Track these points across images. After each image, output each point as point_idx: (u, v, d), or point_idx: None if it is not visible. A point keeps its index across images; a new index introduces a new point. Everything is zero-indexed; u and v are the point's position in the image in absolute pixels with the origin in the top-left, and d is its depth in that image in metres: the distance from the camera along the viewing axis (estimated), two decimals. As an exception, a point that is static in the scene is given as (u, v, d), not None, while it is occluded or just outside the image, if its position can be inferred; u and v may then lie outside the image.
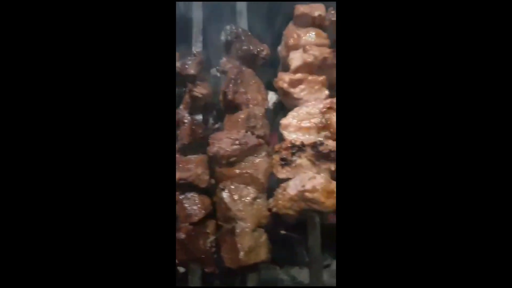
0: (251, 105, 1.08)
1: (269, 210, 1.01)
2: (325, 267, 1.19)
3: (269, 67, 1.24)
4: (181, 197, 0.98)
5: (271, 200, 1.02)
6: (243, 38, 1.12)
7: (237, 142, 0.98)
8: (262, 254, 0.96)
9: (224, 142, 0.99)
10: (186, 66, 1.08)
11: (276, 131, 1.13)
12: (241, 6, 1.25)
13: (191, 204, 0.97)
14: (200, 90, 1.05)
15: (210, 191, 1.04)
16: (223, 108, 1.11)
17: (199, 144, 1.05)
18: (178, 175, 0.97)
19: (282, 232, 1.23)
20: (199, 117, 1.10)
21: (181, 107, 1.08)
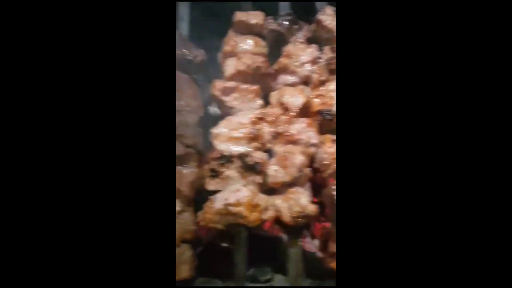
0: (184, 112, 1.05)
1: (197, 223, 0.97)
2: (266, 281, 1.16)
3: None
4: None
5: (199, 213, 0.99)
6: (178, 42, 1.09)
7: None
8: (184, 271, 0.92)
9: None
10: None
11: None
12: (183, 11, 1.23)
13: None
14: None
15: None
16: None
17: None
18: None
19: (224, 244, 1.20)
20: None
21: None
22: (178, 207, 0.95)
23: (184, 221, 0.95)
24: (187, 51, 1.08)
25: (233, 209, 0.92)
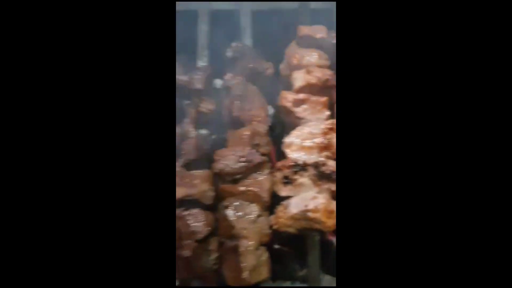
0: (254, 122, 1.10)
1: (270, 227, 1.03)
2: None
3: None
4: (185, 213, 0.98)
5: (272, 217, 1.04)
6: (249, 55, 1.14)
7: (242, 159, 0.99)
8: (264, 273, 0.97)
9: (229, 159, 1.00)
10: (194, 80, 1.09)
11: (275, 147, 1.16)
12: (245, 22, 1.28)
13: (195, 221, 0.97)
14: (207, 106, 1.06)
15: (211, 207, 1.05)
16: (226, 123, 1.13)
17: (203, 159, 1.06)
18: (183, 190, 0.97)
19: (276, 246, 1.25)
20: (204, 131, 1.11)
21: (186, 121, 1.08)
22: (256, 211, 1.00)
23: (261, 225, 1.01)
24: (258, 63, 1.13)
25: (311, 215, 0.98)
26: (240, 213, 0.97)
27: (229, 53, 1.15)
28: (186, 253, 0.91)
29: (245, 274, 0.91)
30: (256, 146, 1.04)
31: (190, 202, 0.99)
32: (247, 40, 1.24)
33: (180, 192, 0.97)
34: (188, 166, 1.04)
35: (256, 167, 1.02)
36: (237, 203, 0.98)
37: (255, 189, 1.00)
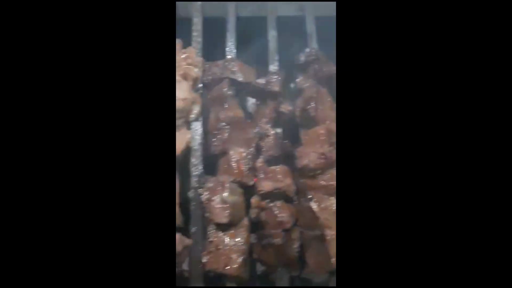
0: (327, 121, 1.18)
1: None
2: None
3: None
4: (270, 205, 1.06)
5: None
6: (320, 60, 1.22)
7: (323, 156, 1.07)
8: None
9: (311, 155, 1.07)
10: (271, 83, 1.17)
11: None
12: (311, 28, 1.35)
13: (281, 212, 1.05)
14: (286, 107, 1.14)
15: (289, 200, 1.13)
16: (299, 123, 1.20)
17: (281, 155, 1.14)
18: (270, 184, 1.05)
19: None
20: (279, 130, 1.19)
21: (264, 120, 1.16)
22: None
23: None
24: (329, 67, 1.21)
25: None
26: (323, 205, 1.04)
27: (302, 58, 1.23)
28: (278, 241, 1.00)
29: (333, 260, 0.98)
30: (332, 144, 1.12)
31: (273, 195, 1.08)
32: (314, 45, 1.32)
33: (267, 185, 1.05)
34: (269, 162, 1.12)
35: (333, 163, 1.10)
36: (319, 196, 1.06)
37: (335, 183, 1.08)
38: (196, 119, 1.18)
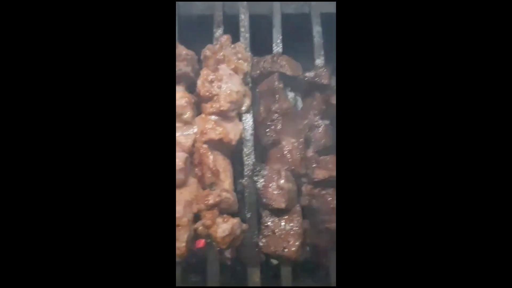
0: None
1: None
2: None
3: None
4: (323, 192, 1.11)
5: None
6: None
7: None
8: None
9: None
10: (320, 76, 1.22)
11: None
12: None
13: (333, 199, 1.10)
14: (334, 99, 1.19)
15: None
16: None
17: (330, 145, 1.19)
18: (324, 172, 1.10)
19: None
20: (326, 122, 1.23)
21: (313, 112, 1.21)
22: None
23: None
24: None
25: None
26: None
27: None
28: (333, 226, 1.05)
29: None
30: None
31: (325, 182, 1.12)
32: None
33: (321, 174, 1.10)
34: (319, 152, 1.17)
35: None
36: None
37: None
38: (247, 111, 1.24)
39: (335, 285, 1.05)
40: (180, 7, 1.38)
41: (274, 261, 1.11)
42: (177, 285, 1.02)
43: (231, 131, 1.16)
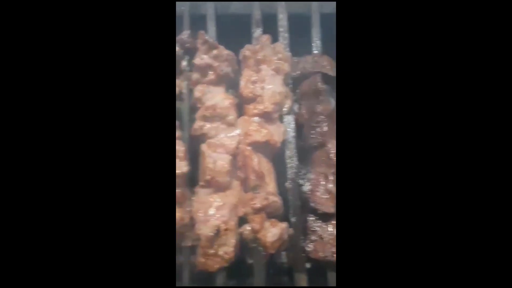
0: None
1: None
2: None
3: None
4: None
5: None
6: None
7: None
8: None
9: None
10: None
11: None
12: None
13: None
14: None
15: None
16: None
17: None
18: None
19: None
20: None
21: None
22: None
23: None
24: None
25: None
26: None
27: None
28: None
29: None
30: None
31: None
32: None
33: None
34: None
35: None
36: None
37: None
38: (288, 113, 1.21)
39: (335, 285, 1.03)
40: (218, 7, 1.37)
41: (308, 265, 1.09)
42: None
43: (275, 133, 1.14)
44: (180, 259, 1.04)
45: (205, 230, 1.01)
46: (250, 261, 1.07)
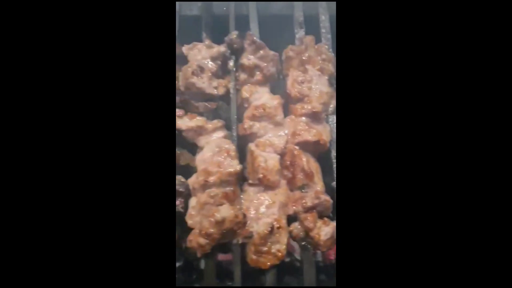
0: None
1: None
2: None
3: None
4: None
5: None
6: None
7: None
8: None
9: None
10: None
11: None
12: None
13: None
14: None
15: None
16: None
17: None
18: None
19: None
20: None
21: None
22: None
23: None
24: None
25: None
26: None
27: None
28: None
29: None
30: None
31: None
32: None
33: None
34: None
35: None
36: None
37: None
38: (333, 113, 1.22)
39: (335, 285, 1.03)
40: (259, 7, 1.38)
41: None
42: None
43: (323, 132, 1.15)
44: (231, 256, 1.05)
45: (258, 227, 1.02)
46: (298, 259, 1.08)
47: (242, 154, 1.15)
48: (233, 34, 1.20)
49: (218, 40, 1.29)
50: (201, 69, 1.15)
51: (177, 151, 1.13)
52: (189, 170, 1.15)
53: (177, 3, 1.30)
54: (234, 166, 1.05)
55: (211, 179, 1.02)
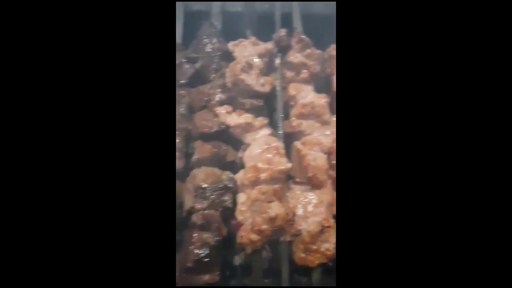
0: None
1: None
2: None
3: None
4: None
5: None
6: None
7: None
8: None
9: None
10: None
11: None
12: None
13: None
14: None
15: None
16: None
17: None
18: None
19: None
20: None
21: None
22: None
23: None
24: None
25: None
26: None
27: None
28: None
29: None
30: None
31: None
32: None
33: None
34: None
35: None
36: None
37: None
38: (377, 114, 1.22)
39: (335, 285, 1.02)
40: (300, 7, 1.38)
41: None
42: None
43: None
44: (278, 253, 1.06)
45: (308, 226, 1.02)
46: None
47: (286, 152, 1.15)
48: (282, 32, 1.20)
49: (260, 37, 1.30)
50: (250, 65, 1.15)
51: (224, 147, 1.13)
52: (234, 166, 1.16)
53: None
54: (284, 163, 1.05)
55: (262, 176, 1.02)
